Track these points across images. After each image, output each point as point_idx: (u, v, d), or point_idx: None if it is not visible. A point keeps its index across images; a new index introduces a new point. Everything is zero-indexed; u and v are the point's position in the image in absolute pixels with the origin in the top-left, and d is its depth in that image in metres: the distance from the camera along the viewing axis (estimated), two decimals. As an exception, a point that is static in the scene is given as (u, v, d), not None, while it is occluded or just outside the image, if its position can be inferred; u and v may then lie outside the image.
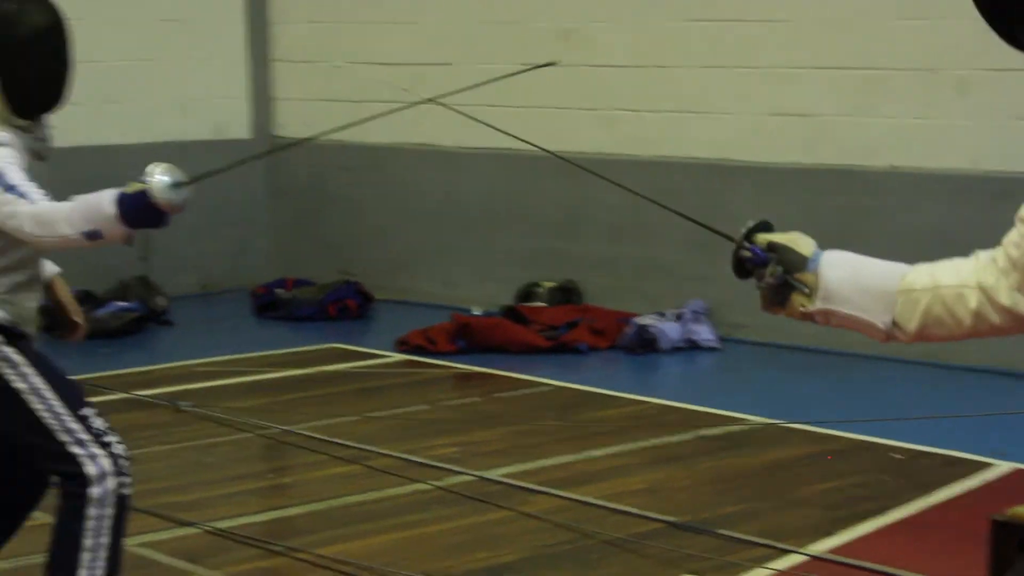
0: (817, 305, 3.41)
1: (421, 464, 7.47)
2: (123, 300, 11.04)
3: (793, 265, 3.43)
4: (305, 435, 8.06)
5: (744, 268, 3.52)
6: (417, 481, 7.24)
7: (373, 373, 9.73)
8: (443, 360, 9.94)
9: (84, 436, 4.71)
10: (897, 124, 9.88)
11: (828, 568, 6.04)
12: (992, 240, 3.24)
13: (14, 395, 4.73)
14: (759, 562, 6.09)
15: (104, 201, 4.53)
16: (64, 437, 4.71)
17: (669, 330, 10.20)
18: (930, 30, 9.74)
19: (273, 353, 10.21)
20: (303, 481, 7.42)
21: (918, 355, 9.64)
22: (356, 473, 7.42)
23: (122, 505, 4.76)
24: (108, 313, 10.78)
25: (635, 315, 10.42)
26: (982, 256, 3.34)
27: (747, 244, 3.50)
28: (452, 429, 8.25)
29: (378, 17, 12.11)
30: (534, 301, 10.87)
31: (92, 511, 4.69)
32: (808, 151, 10.22)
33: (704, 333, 10.27)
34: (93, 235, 4.56)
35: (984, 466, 7.40)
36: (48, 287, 5.11)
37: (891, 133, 9.90)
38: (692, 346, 10.23)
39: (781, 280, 3.44)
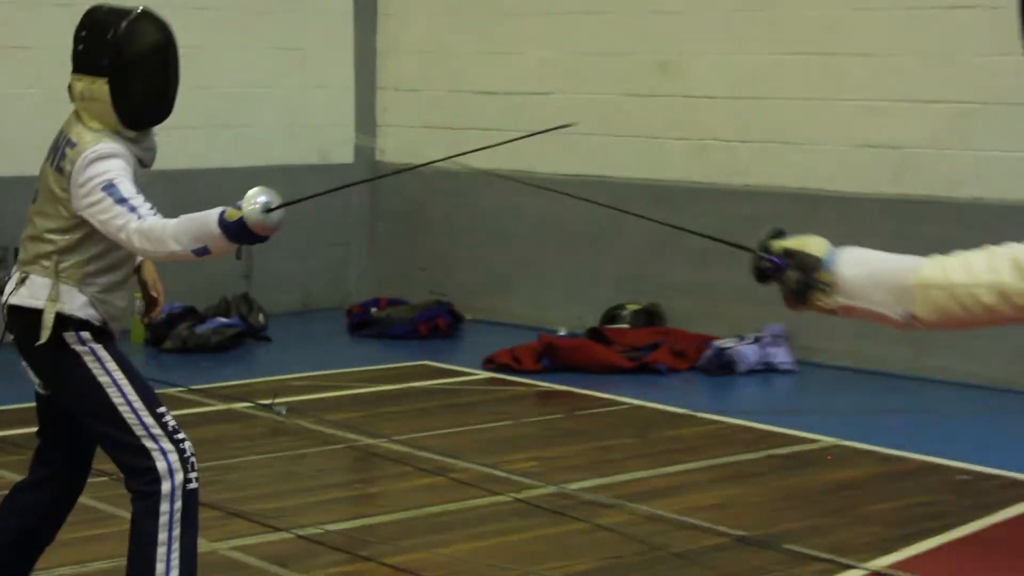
0: (838, 302, 3.50)
1: (502, 477, 7.51)
2: (225, 316, 11.07)
3: (810, 267, 3.50)
4: (393, 447, 8.09)
5: (765, 275, 3.57)
6: (497, 493, 7.25)
7: (460, 390, 9.69)
8: (527, 379, 9.93)
9: (158, 432, 4.81)
10: (983, 156, 9.82)
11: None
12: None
13: (98, 387, 4.82)
14: None
15: (210, 221, 4.59)
16: (140, 431, 4.80)
17: (747, 352, 10.22)
18: (1017, 65, 9.70)
19: (365, 369, 10.19)
20: (389, 491, 7.40)
21: (986, 381, 9.72)
22: (439, 484, 7.43)
23: (191, 499, 4.83)
24: (209, 329, 10.81)
25: (715, 338, 10.44)
26: (1000, 254, 3.37)
27: (764, 254, 3.55)
28: (533, 444, 8.30)
29: (482, 48, 12.13)
30: (618, 323, 10.87)
31: (164, 506, 4.77)
32: (895, 182, 10.17)
33: (781, 356, 10.27)
34: (201, 251, 4.63)
35: None
36: (137, 267, 5.16)
37: (977, 165, 9.83)
38: (769, 368, 10.23)
39: (802, 280, 3.51)
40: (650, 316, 11.02)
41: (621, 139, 11.30)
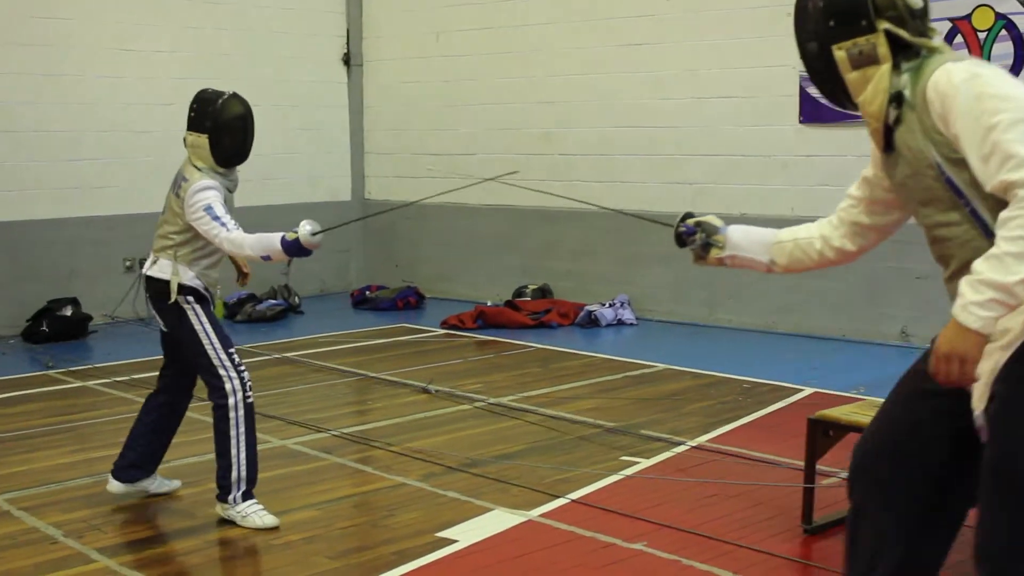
0: (726, 252, 3.53)
1: (459, 395, 7.50)
2: (274, 299, 11.01)
3: (711, 231, 3.56)
4: (386, 378, 8.08)
5: (682, 239, 3.60)
6: (457, 405, 7.27)
7: (427, 341, 9.66)
8: (469, 333, 9.92)
9: (227, 364, 4.94)
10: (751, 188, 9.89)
11: (707, 453, 6.09)
12: None
13: (194, 332, 4.96)
14: (662, 451, 6.14)
15: (275, 239, 4.77)
16: (217, 362, 4.94)
17: (607, 313, 10.23)
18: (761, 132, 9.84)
19: (364, 331, 10.14)
20: (388, 405, 7.33)
21: (757, 326, 9.84)
22: (419, 400, 7.42)
23: (249, 409, 4.96)
24: (265, 307, 10.76)
25: (586, 304, 10.45)
26: (824, 219, 3.40)
27: (682, 225, 3.61)
28: (477, 373, 8.27)
29: (430, 127, 12.02)
30: (524, 297, 10.85)
31: (231, 413, 4.91)
32: (692, 205, 10.20)
33: (627, 315, 10.27)
34: (266, 258, 4.80)
35: (796, 391, 7.48)
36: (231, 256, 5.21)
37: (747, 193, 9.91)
38: (620, 323, 10.24)
39: (705, 242, 3.56)
40: (544, 292, 11.02)
41: (520, 181, 11.29)
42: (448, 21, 11.88)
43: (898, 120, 2.89)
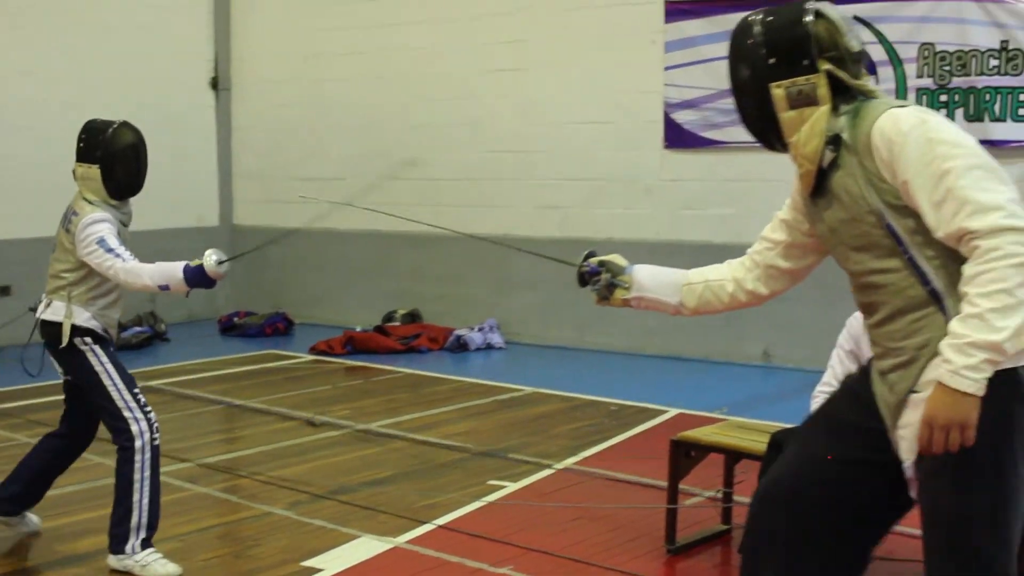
0: (633, 294, 3.38)
1: (327, 421, 7.41)
2: (139, 326, 10.76)
3: (616, 272, 3.40)
4: (253, 405, 7.96)
5: (584, 279, 3.44)
6: (325, 431, 7.20)
7: (295, 367, 9.57)
8: (338, 359, 9.84)
9: (133, 406, 4.73)
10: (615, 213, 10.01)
11: (573, 475, 6.13)
12: None
13: (96, 374, 4.74)
14: (529, 474, 6.15)
15: (176, 268, 4.62)
16: (122, 404, 4.72)
17: (475, 337, 10.24)
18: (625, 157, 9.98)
19: (232, 357, 10.00)
20: (254, 433, 7.24)
21: (624, 348, 9.94)
22: (286, 427, 7.33)
23: (156, 452, 4.76)
24: (130, 334, 10.49)
25: (455, 329, 10.44)
26: (736, 261, 3.29)
27: (585, 264, 3.44)
28: (345, 399, 8.20)
29: (302, 151, 11.91)
30: (393, 322, 10.80)
31: (137, 456, 4.69)
32: (559, 229, 10.20)
33: (496, 339, 10.30)
34: (164, 287, 4.64)
35: (661, 412, 7.55)
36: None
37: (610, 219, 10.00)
38: (489, 347, 10.26)
39: (610, 282, 3.39)
40: (413, 316, 10.98)
41: (385, 206, 11.21)
42: (318, 45, 11.80)
43: (834, 163, 2.83)
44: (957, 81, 8.42)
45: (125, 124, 4.91)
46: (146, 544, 4.76)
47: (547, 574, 4.68)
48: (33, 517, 5.25)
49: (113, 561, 4.77)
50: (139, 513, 4.71)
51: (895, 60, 8.65)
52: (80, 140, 4.88)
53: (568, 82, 10.19)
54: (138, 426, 4.71)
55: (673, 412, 7.56)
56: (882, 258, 2.80)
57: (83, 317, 4.78)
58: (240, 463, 6.47)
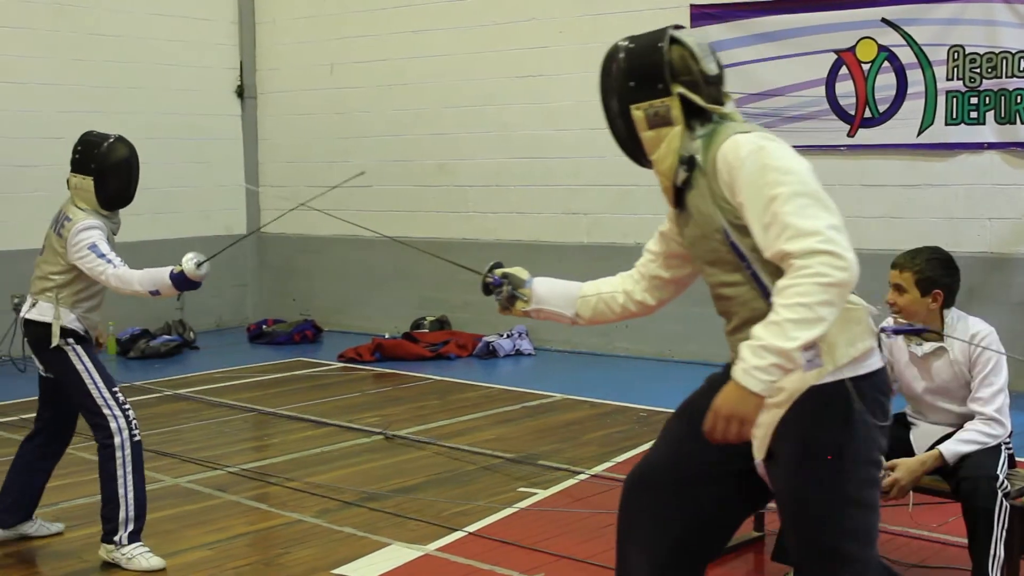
0: (532, 306, 3.52)
1: (356, 428, 7.43)
2: (168, 334, 10.82)
3: (517, 284, 3.52)
4: (283, 412, 7.98)
5: (488, 289, 3.56)
6: (355, 438, 7.20)
7: (323, 375, 9.59)
8: (367, 366, 9.85)
9: (112, 403, 4.86)
10: (641, 218, 9.96)
11: (604, 482, 6.09)
12: None
13: (77, 374, 4.87)
14: (560, 481, 6.13)
15: (163, 274, 4.80)
16: (101, 402, 4.86)
17: (505, 344, 10.25)
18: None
19: (260, 365, 10.01)
20: (285, 441, 7.24)
21: (650, 354, 9.90)
22: (317, 434, 7.34)
23: (136, 447, 4.87)
24: (159, 343, 10.56)
25: (484, 336, 10.44)
26: (626, 273, 3.49)
27: (490, 275, 3.56)
28: (374, 406, 8.21)
29: (323, 159, 11.91)
30: (422, 329, 10.82)
31: (117, 453, 4.82)
32: (588, 235, 10.29)
33: (526, 345, 10.31)
34: (155, 292, 4.81)
35: None
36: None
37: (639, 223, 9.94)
38: (519, 353, 10.26)
39: (511, 294, 3.52)
40: (442, 323, 10.99)
41: (413, 214, 11.27)
42: (342, 53, 11.82)
43: (688, 183, 3.03)
44: (987, 83, 8.34)
45: (120, 139, 5.04)
46: (134, 537, 4.89)
47: (578, 581, 4.65)
48: (48, 524, 5.35)
49: (103, 552, 4.93)
50: (126, 507, 4.84)
51: (924, 63, 8.59)
52: (76, 151, 5.01)
53: (594, 87, 10.08)
54: (117, 423, 4.84)
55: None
56: (729, 272, 3.01)
57: (69, 318, 4.93)
58: (270, 470, 6.49)
